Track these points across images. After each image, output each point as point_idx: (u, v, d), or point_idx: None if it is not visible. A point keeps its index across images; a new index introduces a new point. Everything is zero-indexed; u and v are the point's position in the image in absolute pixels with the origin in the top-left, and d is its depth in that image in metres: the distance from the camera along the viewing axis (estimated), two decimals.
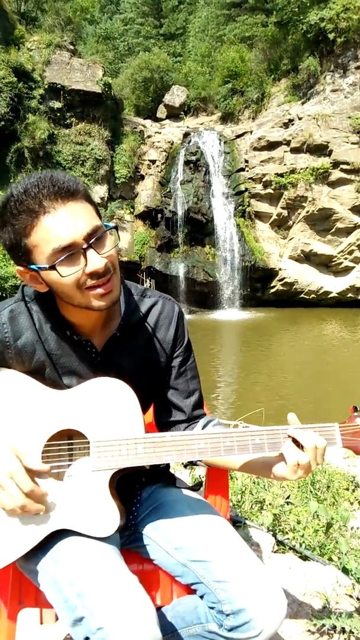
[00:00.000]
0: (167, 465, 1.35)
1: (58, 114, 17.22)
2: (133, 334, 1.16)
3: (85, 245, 0.95)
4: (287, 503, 2.36)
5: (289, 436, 1.04)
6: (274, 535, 2.12)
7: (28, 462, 0.97)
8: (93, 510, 1.00)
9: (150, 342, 1.19)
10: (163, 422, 1.26)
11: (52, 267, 0.95)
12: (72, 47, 18.28)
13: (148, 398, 1.24)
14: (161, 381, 1.23)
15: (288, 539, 2.10)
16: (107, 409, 1.04)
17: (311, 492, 2.46)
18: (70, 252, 0.94)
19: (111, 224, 1.01)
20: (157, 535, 1.17)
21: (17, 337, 1.07)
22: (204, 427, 1.24)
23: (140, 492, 1.26)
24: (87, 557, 0.97)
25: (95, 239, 0.96)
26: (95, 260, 0.96)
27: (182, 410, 1.24)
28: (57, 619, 1.37)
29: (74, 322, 1.09)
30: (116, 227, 1.02)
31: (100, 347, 1.12)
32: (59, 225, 0.93)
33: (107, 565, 0.95)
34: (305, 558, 2.00)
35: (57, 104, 17.05)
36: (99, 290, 0.99)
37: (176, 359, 1.23)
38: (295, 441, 1.03)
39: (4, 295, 9.05)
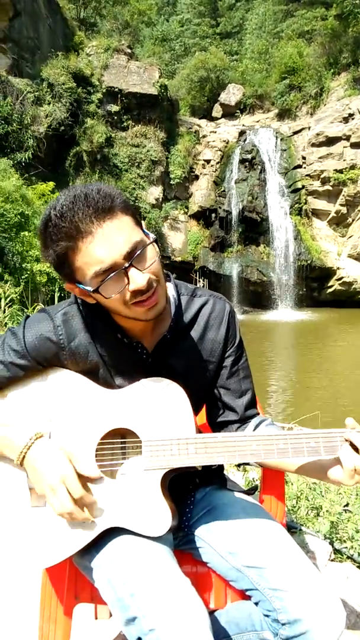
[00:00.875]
0: (221, 467, 1.34)
1: (115, 118, 17.55)
2: (184, 335, 1.16)
3: (126, 265, 0.95)
4: (345, 511, 2.28)
5: (346, 440, 1.00)
6: (331, 543, 2.05)
7: (81, 467, 0.99)
8: (145, 509, 1.00)
9: (202, 342, 1.18)
10: (215, 422, 1.25)
11: (96, 290, 0.96)
12: (129, 50, 18.57)
13: (200, 398, 1.23)
14: (213, 381, 1.22)
15: (346, 547, 2.02)
16: (159, 409, 1.05)
17: None
18: (112, 274, 0.94)
19: (152, 236, 1.00)
20: (210, 538, 1.16)
21: (72, 339, 1.10)
22: (256, 427, 1.22)
23: (194, 493, 1.26)
24: (140, 557, 0.97)
25: (135, 257, 0.95)
26: (138, 278, 0.95)
27: (235, 410, 1.23)
28: (111, 615, 1.38)
29: (124, 326, 1.10)
30: (156, 240, 1.01)
31: (151, 348, 1.13)
32: (98, 248, 0.93)
33: (160, 566, 0.95)
34: None
35: (114, 108, 17.37)
36: (144, 305, 1.00)
37: (228, 358, 1.21)
38: (352, 445, 1.00)
39: (62, 294, 9.33)
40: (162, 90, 17.71)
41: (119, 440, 1.08)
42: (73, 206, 0.93)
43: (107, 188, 0.96)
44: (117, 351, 1.12)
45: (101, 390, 1.09)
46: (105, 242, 0.93)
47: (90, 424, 1.06)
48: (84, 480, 0.99)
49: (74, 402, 1.08)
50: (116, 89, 17.28)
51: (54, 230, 0.94)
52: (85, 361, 1.11)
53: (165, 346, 1.13)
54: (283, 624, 0.98)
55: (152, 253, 1.00)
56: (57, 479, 0.96)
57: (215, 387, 1.23)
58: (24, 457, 1.00)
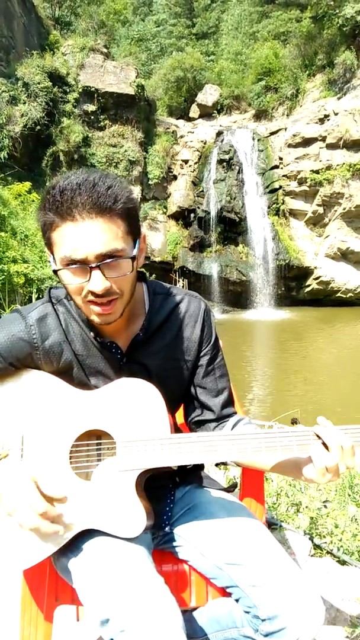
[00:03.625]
0: (201, 466, 1.34)
1: (92, 117, 17.44)
2: (158, 334, 1.15)
3: (93, 265, 0.95)
4: (325, 506, 2.31)
5: (316, 434, 1.00)
6: (311, 538, 2.08)
7: (46, 490, 0.97)
8: (120, 511, 1.00)
9: (176, 341, 1.17)
10: (193, 422, 1.25)
11: (56, 271, 0.99)
12: (105, 50, 18.47)
13: (177, 398, 1.23)
14: (189, 380, 1.22)
15: (325, 542, 2.05)
16: (133, 410, 1.04)
17: (349, 495, 2.40)
18: (77, 265, 0.95)
19: (132, 254, 1.00)
20: (191, 536, 1.16)
21: (45, 338, 1.09)
22: (234, 426, 1.22)
23: (174, 492, 1.26)
24: (113, 558, 0.96)
25: (106, 262, 0.95)
26: (97, 282, 0.95)
27: (211, 409, 1.23)
28: None
29: (97, 325, 1.10)
30: (133, 257, 1.00)
31: (125, 348, 1.13)
32: (77, 237, 0.94)
33: (133, 567, 0.94)
34: (343, 562, 1.96)
35: (91, 107, 17.27)
36: (97, 309, 1.00)
37: (204, 357, 1.21)
38: (324, 443, 1.00)
39: (40, 296, 9.23)
40: (139, 90, 17.67)
41: (95, 442, 1.07)
42: (77, 188, 0.93)
43: (119, 189, 0.96)
44: (91, 350, 1.11)
45: (75, 391, 1.08)
46: (86, 236, 0.93)
47: (64, 426, 1.05)
48: (53, 488, 0.98)
49: (47, 404, 1.07)
50: (92, 89, 17.18)
51: (51, 200, 0.95)
52: (59, 360, 1.10)
53: (138, 346, 1.13)
54: (263, 620, 0.99)
55: (125, 267, 0.99)
56: (20, 503, 0.94)
57: (191, 386, 1.23)
58: None
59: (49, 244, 1.00)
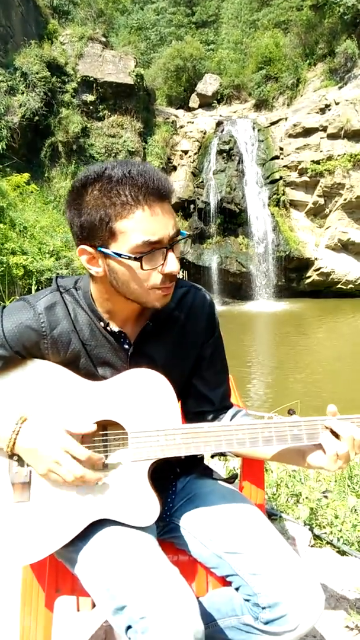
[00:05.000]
0: (202, 457, 1.35)
1: (91, 107, 17.30)
2: (165, 325, 1.15)
3: (168, 246, 0.98)
4: (325, 497, 2.32)
5: (327, 427, 1.02)
6: (311, 529, 2.09)
7: (75, 428, 1.01)
8: (133, 500, 1.01)
9: (182, 333, 1.17)
10: (191, 412, 1.26)
11: (138, 259, 0.96)
12: (104, 39, 18.29)
13: (178, 389, 1.23)
14: (191, 372, 1.22)
15: (325, 533, 2.06)
16: (143, 400, 1.04)
17: (349, 486, 2.41)
18: (156, 249, 0.96)
19: (186, 233, 1.04)
20: (192, 526, 1.17)
21: (54, 327, 1.08)
22: (232, 418, 1.23)
23: (175, 483, 1.26)
24: (129, 546, 0.97)
25: (176, 241, 1.00)
26: (173, 263, 1.00)
27: (211, 401, 1.23)
28: (93, 606, 1.38)
29: (110, 311, 1.09)
30: (189, 236, 1.05)
31: (133, 337, 1.12)
32: (155, 220, 0.95)
33: (148, 555, 0.96)
34: (343, 553, 1.97)
35: (89, 97, 17.13)
36: (162, 292, 1.02)
37: (207, 350, 1.21)
38: (333, 432, 1.02)
39: (39, 288, 9.21)
40: (138, 80, 17.52)
41: (100, 433, 1.07)
42: (144, 174, 0.95)
43: (164, 176, 1.00)
44: (99, 340, 1.11)
45: (83, 381, 1.08)
46: (161, 218, 0.96)
47: (74, 416, 1.04)
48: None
49: (54, 395, 1.06)
50: (91, 78, 17.02)
51: (118, 185, 0.94)
52: (67, 350, 1.09)
53: (147, 336, 1.13)
54: (263, 608, 0.99)
55: (179, 248, 1.04)
56: (58, 450, 0.96)
57: (192, 377, 1.23)
58: (14, 443, 0.99)
59: (108, 236, 0.97)
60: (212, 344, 1.22)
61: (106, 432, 1.07)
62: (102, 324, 1.10)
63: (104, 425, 1.06)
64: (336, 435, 1.01)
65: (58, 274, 9.68)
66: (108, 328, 1.10)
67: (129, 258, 0.96)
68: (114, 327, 1.11)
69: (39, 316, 1.08)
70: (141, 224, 0.95)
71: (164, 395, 1.05)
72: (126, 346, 1.12)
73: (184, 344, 1.18)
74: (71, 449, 0.97)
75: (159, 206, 0.96)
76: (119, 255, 0.96)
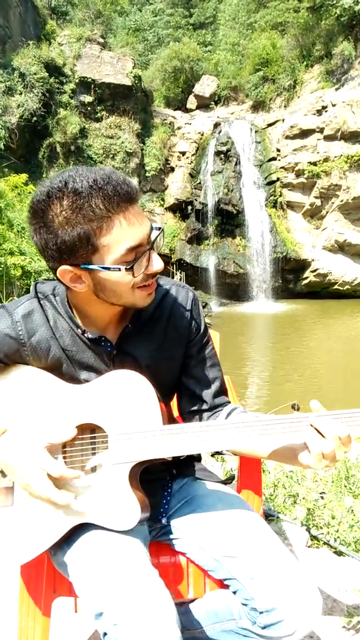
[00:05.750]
0: (198, 458, 1.34)
1: (89, 108, 17.32)
2: (147, 325, 1.14)
3: (148, 247, 0.97)
4: (322, 497, 2.33)
5: (311, 425, 0.99)
6: (308, 529, 2.09)
7: (55, 438, 1.01)
8: (114, 504, 0.99)
9: (166, 332, 1.16)
10: (186, 412, 1.24)
11: (129, 269, 0.95)
12: (102, 40, 18.31)
13: (169, 388, 1.22)
14: (180, 371, 1.21)
15: (322, 533, 2.06)
16: (124, 402, 1.03)
17: (345, 486, 2.41)
18: (139, 254, 0.96)
19: (157, 225, 1.02)
20: (188, 529, 1.16)
21: (32, 334, 1.07)
22: (228, 415, 1.21)
23: (171, 484, 1.25)
24: (108, 551, 0.96)
25: (154, 239, 0.99)
26: (157, 262, 0.99)
27: (204, 400, 1.22)
28: None
29: (89, 317, 1.09)
30: (162, 230, 1.03)
31: (114, 340, 1.12)
32: (132, 225, 0.94)
33: (127, 560, 0.94)
34: (340, 553, 1.97)
35: (87, 98, 17.14)
36: (147, 290, 1.02)
37: (193, 347, 1.20)
38: (318, 430, 0.98)
39: None
40: (136, 81, 17.54)
41: (89, 436, 1.06)
42: (111, 180, 0.93)
43: (125, 175, 0.98)
44: (80, 346, 1.10)
45: (65, 385, 1.07)
46: (136, 220, 0.95)
47: (56, 421, 1.04)
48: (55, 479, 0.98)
49: (38, 399, 1.06)
50: (89, 79, 17.04)
51: (86, 205, 0.91)
52: (47, 357, 1.09)
53: (128, 337, 1.12)
54: (261, 612, 0.99)
55: (159, 242, 1.03)
56: (33, 467, 0.96)
57: (182, 376, 1.22)
58: None
59: (86, 255, 0.95)
60: (199, 341, 1.20)
61: (94, 435, 1.07)
62: (79, 330, 1.09)
63: (92, 429, 1.06)
64: (322, 435, 0.98)
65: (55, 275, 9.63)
66: (85, 335, 1.09)
67: (119, 270, 0.95)
68: (92, 334, 1.09)
69: (17, 324, 1.07)
70: (122, 234, 0.93)
71: (144, 396, 1.03)
72: (109, 350, 1.11)
73: (168, 343, 1.16)
74: (46, 467, 0.96)
75: (132, 209, 0.95)
76: (108, 268, 0.95)
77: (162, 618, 0.86)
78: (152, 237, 0.99)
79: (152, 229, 0.99)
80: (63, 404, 1.05)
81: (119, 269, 0.95)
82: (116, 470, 1.00)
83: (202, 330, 1.21)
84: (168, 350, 1.17)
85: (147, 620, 0.84)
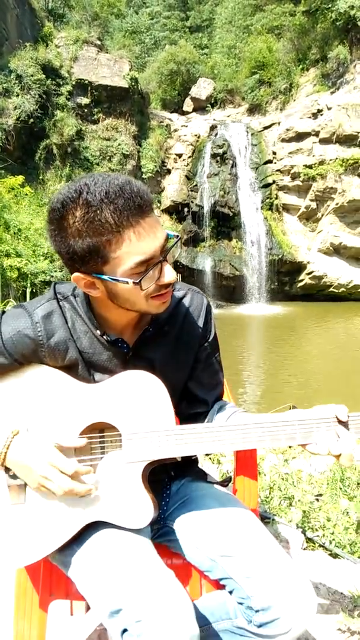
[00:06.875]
0: (196, 460, 1.35)
1: (85, 110, 17.31)
2: (163, 328, 1.16)
3: (161, 258, 0.97)
4: (317, 500, 2.33)
5: (337, 420, 1.05)
6: (304, 532, 2.10)
7: (65, 442, 1.01)
8: (127, 502, 1.01)
9: (180, 336, 1.18)
10: (186, 414, 1.26)
11: (137, 283, 0.95)
12: (99, 42, 18.31)
13: (176, 391, 1.23)
14: (188, 374, 1.23)
15: (318, 536, 2.07)
16: (137, 401, 1.05)
17: (341, 489, 2.42)
18: (151, 266, 0.96)
19: (174, 233, 1.02)
20: (185, 530, 1.17)
21: (50, 336, 1.08)
22: (229, 417, 1.23)
23: (170, 486, 1.27)
24: (124, 549, 0.98)
25: (168, 250, 0.99)
26: (169, 273, 0.99)
27: (206, 403, 1.24)
28: (87, 610, 1.38)
29: (108, 320, 1.10)
30: (180, 238, 1.03)
31: (131, 342, 1.13)
32: (144, 238, 0.94)
33: (144, 558, 0.96)
34: (335, 556, 1.98)
35: (84, 100, 17.13)
36: (162, 299, 1.03)
37: (204, 352, 1.22)
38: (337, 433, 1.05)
39: (33, 290, 9.18)
40: (133, 83, 17.55)
41: (98, 435, 1.07)
42: (124, 192, 0.91)
43: (139, 186, 0.96)
44: (97, 348, 1.11)
45: (79, 384, 1.09)
46: (148, 233, 0.94)
47: (69, 419, 1.05)
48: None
49: (51, 398, 1.07)
50: (86, 81, 17.03)
51: (97, 219, 0.91)
52: (64, 358, 1.10)
53: (146, 340, 1.14)
54: (256, 611, 1.00)
55: (172, 250, 1.02)
56: (45, 465, 0.97)
57: (189, 379, 1.24)
58: (4, 457, 1.00)
59: (97, 266, 0.95)
60: (209, 346, 1.23)
61: (103, 434, 1.07)
62: (98, 332, 1.11)
63: (102, 428, 1.07)
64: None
65: (52, 276, 9.65)
66: (104, 337, 1.11)
67: (127, 283, 0.95)
68: (111, 336, 1.11)
69: (36, 325, 1.08)
70: (132, 247, 0.93)
71: (157, 396, 1.05)
72: (125, 351, 1.13)
73: (181, 347, 1.19)
74: (58, 464, 0.98)
75: (143, 222, 0.93)
76: (117, 280, 0.96)
77: (182, 613, 0.88)
78: (168, 246, 0.99)
79: (167, 238, 0.99)
80: (76, 403, 1.06)
81: (127, 282, 0.95)
82: (129, 469, 1.02)
83: (212, 336, 1.24)
84: (180, 354, 1.19)
85: (169, 616, 0.87)
